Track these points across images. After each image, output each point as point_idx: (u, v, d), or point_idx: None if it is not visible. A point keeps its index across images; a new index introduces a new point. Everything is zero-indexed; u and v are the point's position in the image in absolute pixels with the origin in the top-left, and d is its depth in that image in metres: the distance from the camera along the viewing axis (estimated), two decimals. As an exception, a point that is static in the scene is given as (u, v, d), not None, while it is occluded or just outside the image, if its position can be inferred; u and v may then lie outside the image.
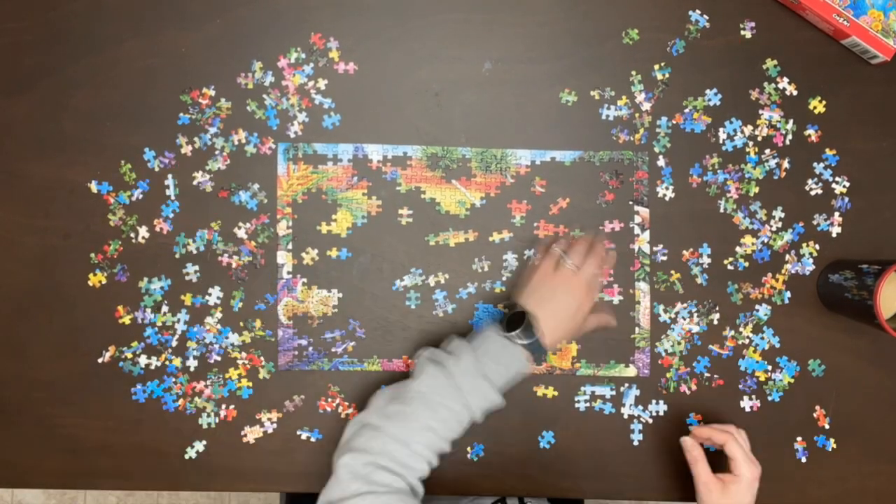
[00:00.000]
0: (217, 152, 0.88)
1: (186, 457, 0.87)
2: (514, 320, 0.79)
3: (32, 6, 0.88)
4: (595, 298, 0.82)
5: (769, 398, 0.89)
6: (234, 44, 0.88)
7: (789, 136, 0.89)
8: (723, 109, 0.89)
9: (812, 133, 0.89)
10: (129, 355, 0.87)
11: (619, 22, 0.89)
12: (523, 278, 0.83)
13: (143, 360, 0.87)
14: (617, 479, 0.89)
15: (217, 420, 0.88)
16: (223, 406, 0.88)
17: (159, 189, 0.88)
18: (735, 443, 0.79)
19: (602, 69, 0.89)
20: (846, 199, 0.89)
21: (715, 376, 0.89)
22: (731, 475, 0.78)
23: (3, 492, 1.64)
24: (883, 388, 0.89)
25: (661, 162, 0.89)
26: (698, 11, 0.89)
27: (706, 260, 0.89)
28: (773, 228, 0.89)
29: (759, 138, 0.89)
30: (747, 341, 0.89)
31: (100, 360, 0.87)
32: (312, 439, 0.88)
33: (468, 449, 0.88)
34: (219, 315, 0.88)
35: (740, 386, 0.89)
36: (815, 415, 0.89)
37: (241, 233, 0.88)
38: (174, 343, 0.88)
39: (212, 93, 0.88)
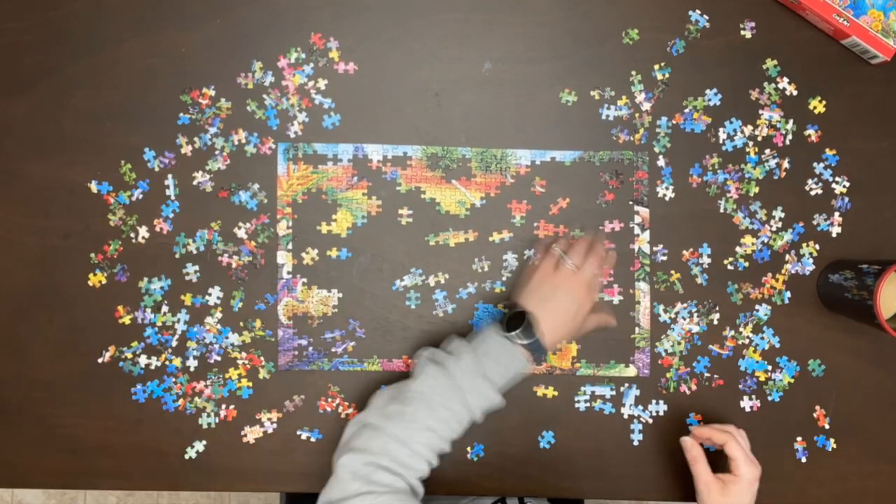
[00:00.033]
0: (217, 152, 0.88)
1: (186, 457, 0.87)
2: (515, 320, 0.79)
3: (32, 6, 0.88)
4: (595, 298, 0.82)
5: (769, 398, 0.89)
6: (234, 44, 0.88)
7: (789, 136, 0.89)
8: (723, 109, 0.89)
9: (812, 133, 0.89)
10: (129, 355, 0.87)
11: (619, 22, 0.89)
12: (523, 278, 0.83)
13: (143, 360, 0.87)
14: (617, 479, 0.89)
15: (217, 420, 0.88)
16: (223, 406, 0.88)
17: (159, 189, 0.88)
18: (735, 443, 0.79)
19: (602, 69, 0.89)
20: (846, 199, 0.89)
21: (715, 376, 0.89)
22: (732, 475, 0.78)
23: (3, 492, 1.64)
24: (883, 388, 0.89)
25: (661, 162, 0.89)
26: (698, 11, 0.89)
27: (706, 260, 0.89)
28: (773, 228, 0.89)
29: (759, 138, 0.89)
30: (747, 341, 0.89)
31: (100, 361, 0.87)
32: (312, 439, 0.88)
33: (468, 449, 0.88)
34: (219, 315, 0.88)
35: (740, 386, 0.89)
36: (815, 415, 0.89)
37: (241, 233, 0.88)
38: (174, 343, 0.88)
39: (212, 93, 0.88)
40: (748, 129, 0.89)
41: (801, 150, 0.89)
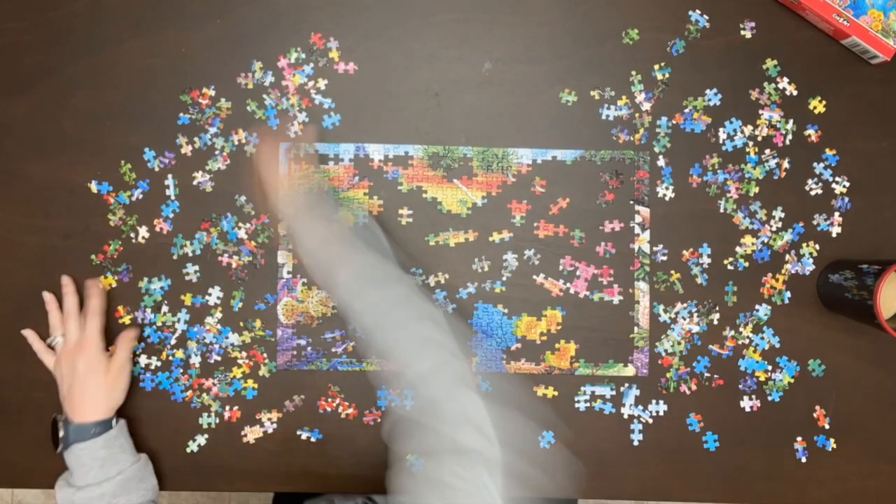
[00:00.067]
0: (217, 152, 0.88)
1: (188, 450, 0.87)
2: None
3: (32, 6, 0.88)
4: (92, 351, 0.82)
5: (769, 398, 0.89)
6: (234, 44, 0.88)
7: (789, 136, 0.89)
8: (723, 109, 0.89)
9: (812, 133, 0.89)
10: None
11: (619, 22, 0.89)
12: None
13: (143, 359, 0.87)
14: (617, 479, 0.89)
15: (217, 420, 0.88)
16: (227, 407, 0.88)
17: (159, 189, 0.88)
18: None
19: (602, 69, 0.89)
20: (846, 199, 0.89)
21: (715, 376, 0.89)
22: None
23: (3, 492, 1.64)
24: (883, 388, 0.89)
25: (661, 162, 0.89)
26: (698, 11, 0.89)
27: (706, 260, 0.89)
28: (773, 228, 0.89)
29: (759, 138, 0.89)
30: (747, 341, 0.89)
31: (100, 360, 0.87)
32: (312, 439, 0.88)
33: (468, 449, 0.88)
34: (219, 315, 0.88)
35: (740, 386, 0.89)
36: (815, 415, 0.89)
37: (241, 233, 0.88)
38: (173, 341, 0.88)
39: (212, 93, 0.88)
40: (748, 129, 0.89)
41: (801, 150, 0.89)
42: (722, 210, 0.89)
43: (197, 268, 0.88)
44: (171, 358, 0.88)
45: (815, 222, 0.89)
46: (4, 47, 0.88)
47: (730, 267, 0.89)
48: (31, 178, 0.88)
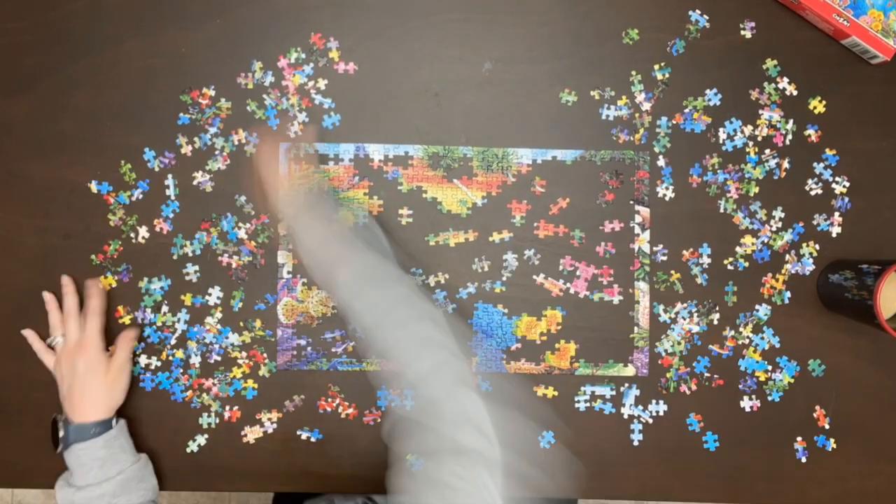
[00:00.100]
0: (217, 152, 0.88)
1: (188, 450, 0.87)
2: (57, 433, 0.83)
3: (32, 6, 0.88)
4: (92, 351, 0.82)
5: (769, 398, 0.89)
6: (234, 44, 0.88)
7: (789, 136, 0.89)
8: (723, 109, 0.89)
9: (812, 133, 0.89)
10: (129, 355, 0.87)
11: (619, 22, 0.89)
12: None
13: (143, 359, 0.87)
14: (617, 479, 0.89)
15: (217, 420, 0.88)
16: (227, 407, 0.88)
17: (159, 189, 0.88)
18: None
19: (602, 69, 0.89)
20: (846, 199, 0.89)
21: (715, 376, 0.89)
22: None
23: (3, 492, 1.64)
24: (883, 388, 0.89)
25: (661, 162, 0.89)
26: (698, 11, 0.89)
27: (706, 260, 0.89)
28: (773, 228, 0.89)
29: (759, 138, 0.89)
30: (747, 341, 0.89)
31: (100, 360, 0.87)
32: (312, 439, 0.88)
33: (468, 449, 0.88)
34: (219, 315, 0.88)
35: (740, 386, 0.89)
36: (815, 415, 0.89)
37: (241, 233, 0.88)
38: (173, 341, 0.88)
39: (212, 93, 0.88)
40: (748, 129, 0.89)
41: (801, 150, 0.89)
42: (722, 210, 0.89)
43: (197, 268, 0.88)
44: (171, 358, 0.88)
45: (815, 222, 0.89)
46: (4, 47, 0.88)
47: (730, 267, 0.89)
48: (31, 178, 0.88)
